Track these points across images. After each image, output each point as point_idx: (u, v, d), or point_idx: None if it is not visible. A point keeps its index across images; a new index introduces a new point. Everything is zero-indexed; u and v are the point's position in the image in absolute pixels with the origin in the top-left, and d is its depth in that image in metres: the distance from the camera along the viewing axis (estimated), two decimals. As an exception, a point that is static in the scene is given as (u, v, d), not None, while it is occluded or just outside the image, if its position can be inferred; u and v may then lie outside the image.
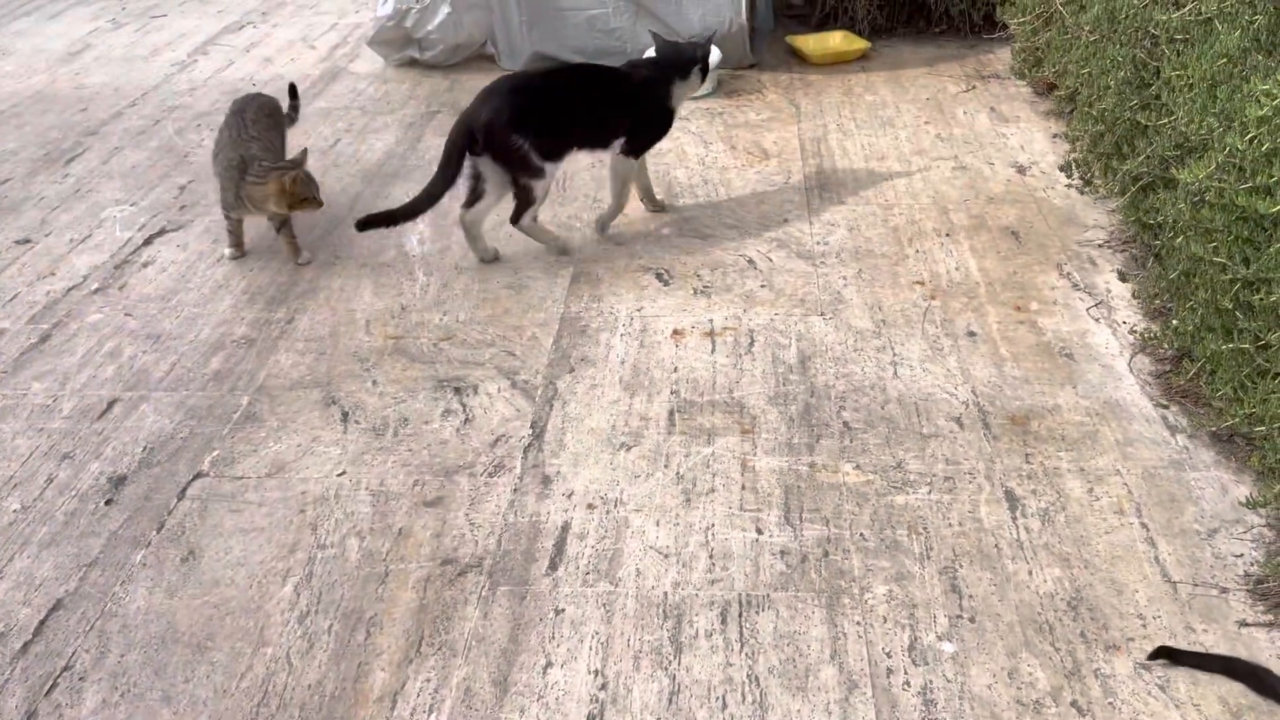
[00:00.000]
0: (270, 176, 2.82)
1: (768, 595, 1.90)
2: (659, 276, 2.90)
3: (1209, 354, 2.14)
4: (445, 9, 4.18)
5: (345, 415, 2.39)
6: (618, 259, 2.99)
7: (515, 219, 2.93)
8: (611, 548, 2.01)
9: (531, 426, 2.34)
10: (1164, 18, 2.49)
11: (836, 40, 4.36)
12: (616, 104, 2.94)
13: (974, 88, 3.95)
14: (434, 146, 3.66)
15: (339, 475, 2.22)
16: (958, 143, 3.56)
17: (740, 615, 1.86)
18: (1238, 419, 2.03)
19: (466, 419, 2.37)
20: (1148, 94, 2.60)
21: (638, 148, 3.01)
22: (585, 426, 2.34)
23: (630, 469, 2.21)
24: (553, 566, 1.97)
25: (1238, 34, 2.12)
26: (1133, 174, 2.61)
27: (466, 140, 2.81)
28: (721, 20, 4.05)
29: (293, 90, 3.40)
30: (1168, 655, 1.72)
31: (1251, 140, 1.97)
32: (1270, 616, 1.79)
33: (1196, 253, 2.17)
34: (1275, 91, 1.91)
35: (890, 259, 2.93)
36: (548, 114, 2.82)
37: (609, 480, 2.18)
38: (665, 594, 1.91)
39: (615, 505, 2.11)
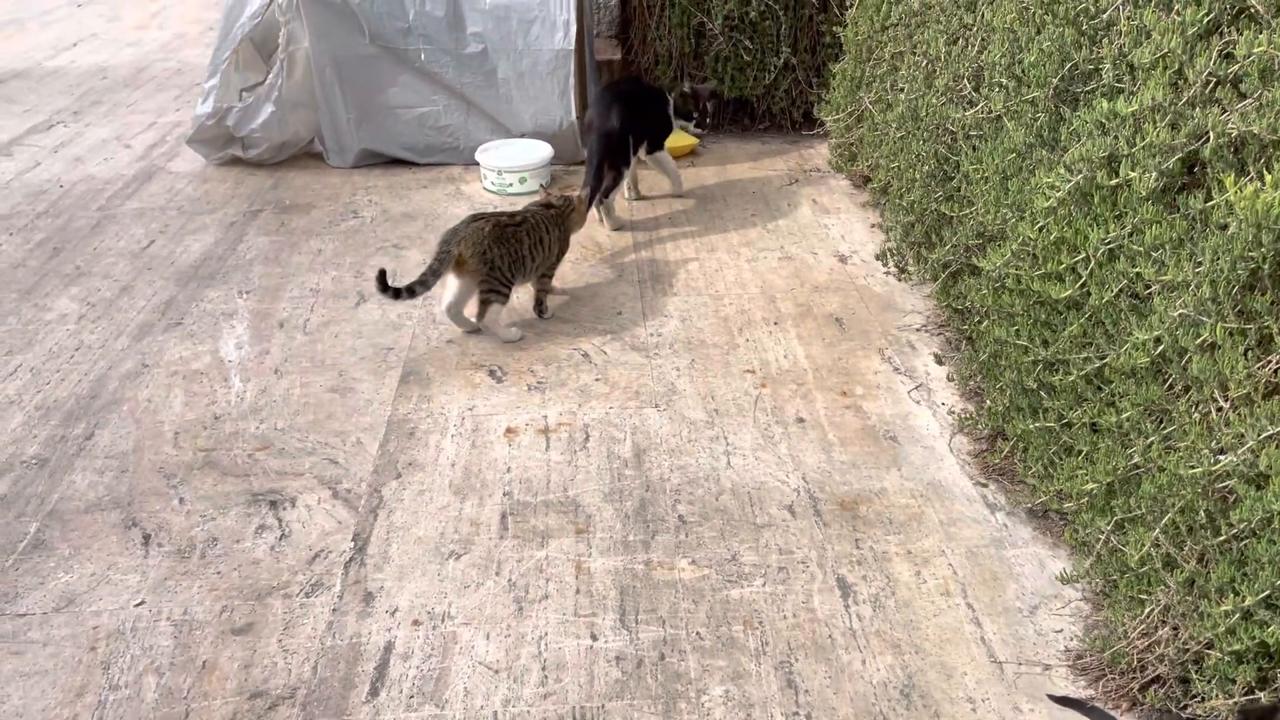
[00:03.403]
0: (571, 201, 3.22)
1: (603, 706, 1.82)
2: (491, 373, 2.84)
3: (1019, 433, 2.22)
4: (269, 108, 4.08)
5: (147, 538, 2.21)
6: (448, 356, 2.92)
7: (605, 195, 3.66)
8: (438, 666, 1.90)
9: (354, 539, 2.22)
10: (959, 115, 2.65)
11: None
12: (656, 114, 3.83)
13: (796, 181, 4.10)
14: (255, 246, 3.54)
15: (137, 605, 2.03)
16: (783, 233, 3.68)
17: (574, 730, 1.77)
18: (1049, 495, 2.10)
19: (282, 535, 2.23)
20: (950, 186, 2.75)
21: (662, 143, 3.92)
22: (412, 536, 2.23)
23: (460, 579, 2.11)
24: (374, 692, 1.84)
25: (1022, 131, 2.26)
26: (941, 261, 2.73)
27: (607, 143, 3.59)
28: (552, 119, 4.10)
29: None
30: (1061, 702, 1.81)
31: (1041, 229, 2.08)
32: (1091, 691, 1.83)
33: (1001, 336, 2.27)
34: (1058, 184, 2.03)
35: (722, 349, 2.96)
36: (641, 121, 3.72)
37: (436, 593, 2.07)
38: (495, 713, 1.80)
39: (443, 620, 2.01)
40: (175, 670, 1.89)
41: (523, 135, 4.13)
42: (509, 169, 3.94)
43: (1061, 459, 2.09)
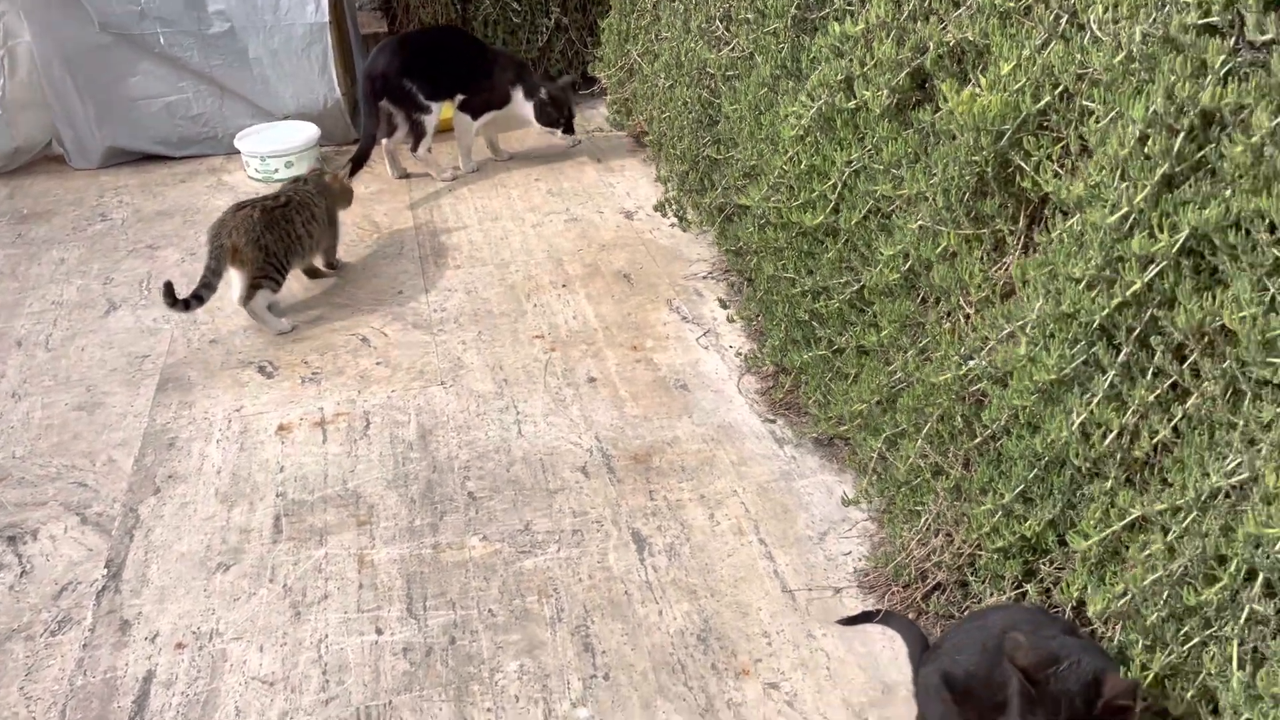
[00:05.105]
0: (324, 172, 3.13)
1: (390, 702, 1.71)
2: (261, 369, 2.65)
3: (797, 364, 2.23)
4: (-7, 110, 3.69)
5: None
6: (213, 357, 2.71)
7: (414, 149, 3.63)
8: (205, 689, 1.74)
9: (106, 566, 2.01)
10: (714, 56, 2.62)
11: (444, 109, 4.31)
12: (470, 71, 3.60)
13: (579, 142, 4.02)
14: (-15, 262, 3.20)
15: None
16: (568, 195, 3.60)
17: (359, 732, 1.66)
18: (828, 423, 2.12)
19: (23, 572, 2.00)
20: (716, 131, 2.72)
21: (474, 108, 3.67)
22: (174, 553, 2.05)
23: (229, 592, 1.95)
24: (131, 728, 1.68)
25: (769, 64, 2.25)
26: (715, 205, 2.72)
27: (372, 88, 3.50)
28: (315, 98, 3.87)
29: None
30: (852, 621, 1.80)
31: (791, 159, 2.08)
32: (879, 606, 1.84)
33: (770, 271, 2.26)
34: (801, 112, 2.02)
35: (510, 317, 2.87)
36: (428, 65, 3.53)
37: (203, 610, 1.91)
38: (271, 728, 1.67)
39: (210, 638, 1.85)
40: (-106, 741, 1.66)
41: (286, 117, 3.89)
42: (273, 154, 3.70)
43: (836, 385, 2.10)
